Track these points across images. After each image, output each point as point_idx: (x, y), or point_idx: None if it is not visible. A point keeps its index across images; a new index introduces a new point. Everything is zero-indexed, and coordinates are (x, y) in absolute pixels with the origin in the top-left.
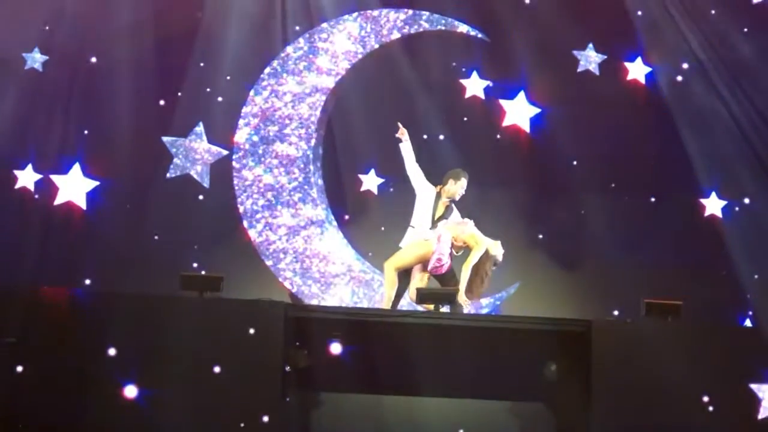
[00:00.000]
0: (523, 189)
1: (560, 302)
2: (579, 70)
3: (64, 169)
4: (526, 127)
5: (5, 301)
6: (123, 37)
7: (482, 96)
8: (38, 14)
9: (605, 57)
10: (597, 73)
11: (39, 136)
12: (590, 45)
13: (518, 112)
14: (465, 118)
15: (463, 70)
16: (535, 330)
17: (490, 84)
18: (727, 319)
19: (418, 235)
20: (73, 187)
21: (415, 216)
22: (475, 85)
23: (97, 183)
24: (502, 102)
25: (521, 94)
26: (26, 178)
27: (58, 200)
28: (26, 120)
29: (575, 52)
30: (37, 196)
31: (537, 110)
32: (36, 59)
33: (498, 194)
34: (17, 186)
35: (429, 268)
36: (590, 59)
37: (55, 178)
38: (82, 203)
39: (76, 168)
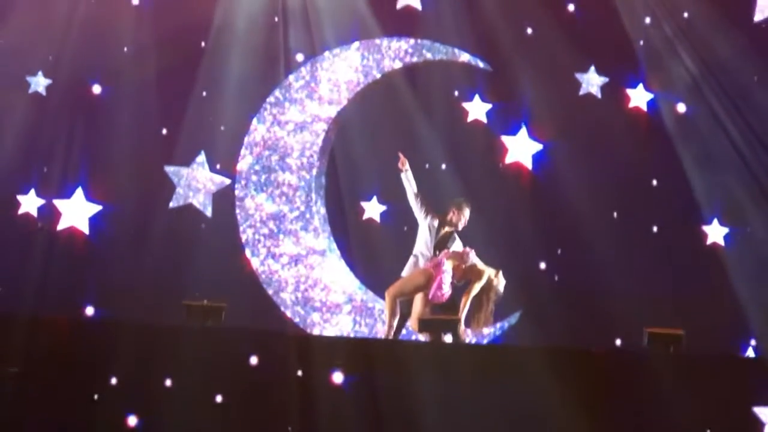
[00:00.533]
0: (524, 218)
1: (562, 331)
2: (581, 93)
3: (67, 194)
4: (528, 156)
5: (7, 330)
6: (127, 64)
7: (484, 120)
8: (42, 39)
9: (607, 80)
10: (599, 96)
11: (42, 160)
12: (592, 67)
13: (520, 148)
14: (467, 147)
15: (465, 98)
16: (539, 358)
17: (492, 106)
18: (729, 348)
19: (420, 264)
20: (76, 212)
21: (417, 245)
22: (477, 109)
23: (99, 207)
24: (504, 138)
25: (523, 130)
26: (29, 203)
27: (61, 225)
28: (30, 144)
29: (577, 75)
30: (40, 224)
31: (539, 146)
32: (40, 83)
33: (500, 223)
34: (20, 211)
35: (430, 296)
36: (592, 82)
37: (58, 202)
38: (85, 228)
39: (79, 192)
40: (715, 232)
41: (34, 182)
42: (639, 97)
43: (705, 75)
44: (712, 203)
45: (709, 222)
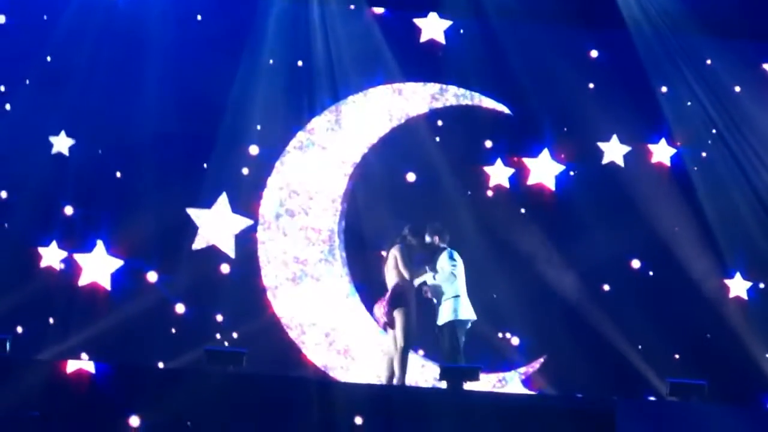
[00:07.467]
0: (547, 264)
1: (584, 379)
2: (604, 162)
3: (88, 248)
4: (551, 186)
5: (28, 374)
6: (150, 112)
7: (507, 184)
8: (66, 95)
9: (630, 149)
10: (622, 165)
11: (64, 216)
12: (614, 137)
13: (543, 171)
14: (489, 193)
15: (489, 145)
16: (559, 408)
17: (514, 170)
18: (752, 400)
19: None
20: (98, 267)
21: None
22: (498, 172)
23: (121, 263)
24: (526, 161)
25: (545, 152)
26: (51, 255)
27: (83, 281)
28: (51, 199)
29: (600, 144)
30: (62, 273)
31: (562, 167)
32: (62, 143)
33: (521, 268)
34: (43, 264)
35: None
36: (615, 151)
37: (78, 257)
38: (107, 284)
39: (100, 246)
40: (738, 286)
41: (55, 234)
42: (661, 152)
43: (728, 124)
44: (735, 256)
45: (731, 275)
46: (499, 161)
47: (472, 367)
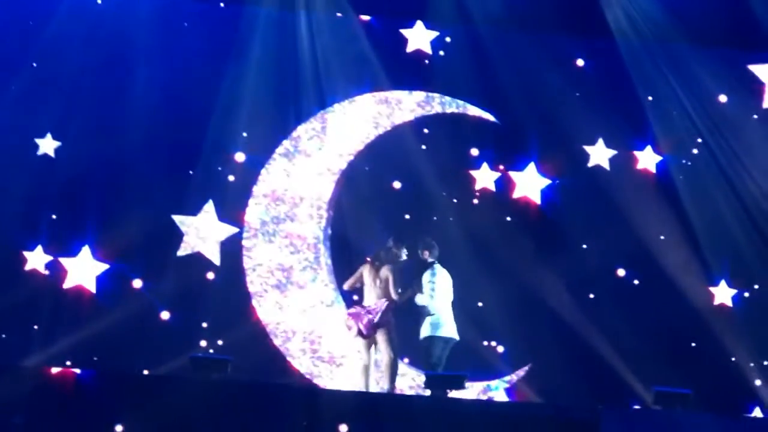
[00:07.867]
0: (533, 272)
1: (569, 387)
2: (589, 165)
3: (73, 252)
4: (537, 200)
5: (13, 380)
6: (136, 119)
7: (492, 188)
8: (52, 100)
9: (615, 152)
10: (608, 168)
11: (49, 220)
12: (600, 140)
13: (529, 184)
14: (475, 201)
15: (475, 153)
16: (544, 416)
17: (500, 174)
18: (736, 408)
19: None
20: (83, 271)
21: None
22: (485, 176)
23: (107, 266)
24: (512, 174)
25: (531, 166)
26: (36, 259)
27: (68, 284)
28: (37, 204)
29: (585, 147)
30: (47, 277)
31: (548, 181)
32: (48, 145)
33: (507, 277)
34: (27, 268)
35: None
36: (600, 154)
37: (64, 261)
38: (92, 287)
39: (86, 250)
40: (723, 293)
41: (41, 238)
42: (647, 159)
43: (713, 132)
44: (720, 263)
45: (716, 283)
46: (485, 165)
47: (458, 375)
